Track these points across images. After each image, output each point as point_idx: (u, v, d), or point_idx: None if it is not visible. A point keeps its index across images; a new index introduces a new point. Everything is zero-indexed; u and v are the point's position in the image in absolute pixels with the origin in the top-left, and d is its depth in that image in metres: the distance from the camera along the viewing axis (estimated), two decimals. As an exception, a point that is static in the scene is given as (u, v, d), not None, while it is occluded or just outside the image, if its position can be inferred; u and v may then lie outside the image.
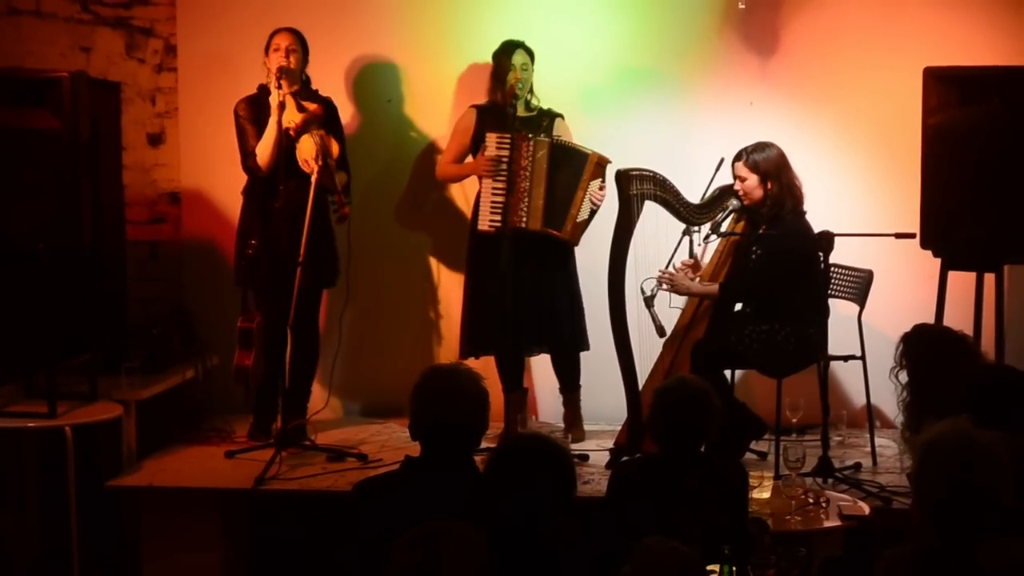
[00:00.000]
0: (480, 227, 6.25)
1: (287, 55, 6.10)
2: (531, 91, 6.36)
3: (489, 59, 6.51)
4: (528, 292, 6.25)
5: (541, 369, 6.78)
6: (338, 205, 6.00)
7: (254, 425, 6.35)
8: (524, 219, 6.18)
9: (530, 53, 6.32)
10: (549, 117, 6.37)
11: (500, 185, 6.17)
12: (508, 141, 6.18)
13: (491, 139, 6.23)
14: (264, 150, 6.04)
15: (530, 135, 6.20)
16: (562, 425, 6.57)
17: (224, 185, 6.47)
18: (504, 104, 6.26)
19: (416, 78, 6.98)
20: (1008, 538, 3.15)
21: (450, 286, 7.01)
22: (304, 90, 6.20)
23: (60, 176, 5.78)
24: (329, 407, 6.67)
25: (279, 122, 5.96)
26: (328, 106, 6.24)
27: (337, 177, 6.06)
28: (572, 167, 6.18)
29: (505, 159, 6.17)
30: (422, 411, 3.96)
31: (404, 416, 6.85)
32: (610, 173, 6.13)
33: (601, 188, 6.18)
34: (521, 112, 6.32)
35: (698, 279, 6.11)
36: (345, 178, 6.16)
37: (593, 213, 6.22)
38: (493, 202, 6.17)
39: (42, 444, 6.10)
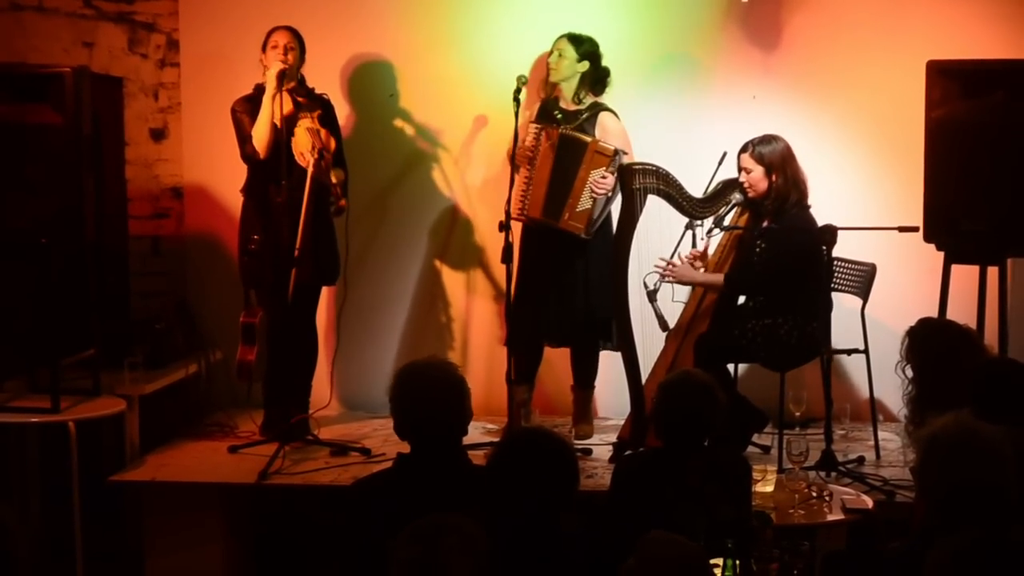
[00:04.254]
0: (513, 216, 6.21)
1: (285, 52, 6.09)
2: (579, 82, 6.28)
3: (490, 55, 6.51)
4: (550, 284, 6.26)
5: (547, 363, 6.77)
6: (335, 198, 5.99)
7: (266, 419, 6.35)
8: (527, 208, 6.17)
9: (576, 42, 6.27)
10: (594, 111, 6.32)
11: (525, 174, 6.19)
12: (535, 130, 6.20)
13: (530, 128, 6.25)
14: (260, 133, 6.01)
15: (556, 126, 6.19)
16: (567, 419, 6.56)
17: (226, 180, 6.47)
18: (558, 96, 6.31)
19: (417, 75, 6.96)
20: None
21: (450, 281, 7.02)
22: (300, 88, 6.19)
23: (63, 171, 5.80)
24: (332, 403, 6.64)
25: (272, 103, 5.94)
26: (325, 105, 6.23)
27: (334, 174, 6.06)
28: (574, 156, 6.17)
29: (531, 148, 6.18)
30: (403, 410, 3.98)
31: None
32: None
33: (604, 177, 6.14)
34: (571, 106, 6.31)
35: (703, 270, 6.11)
36: (343, 175, 6.16)
37: (603, 203, 6.20)
38: (521, 191, 6.18)
39: (45, 439, 6.11)
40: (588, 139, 6.18)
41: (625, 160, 6.15)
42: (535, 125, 6.24)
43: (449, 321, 7.03)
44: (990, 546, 2.90)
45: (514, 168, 6.26)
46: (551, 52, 6.31)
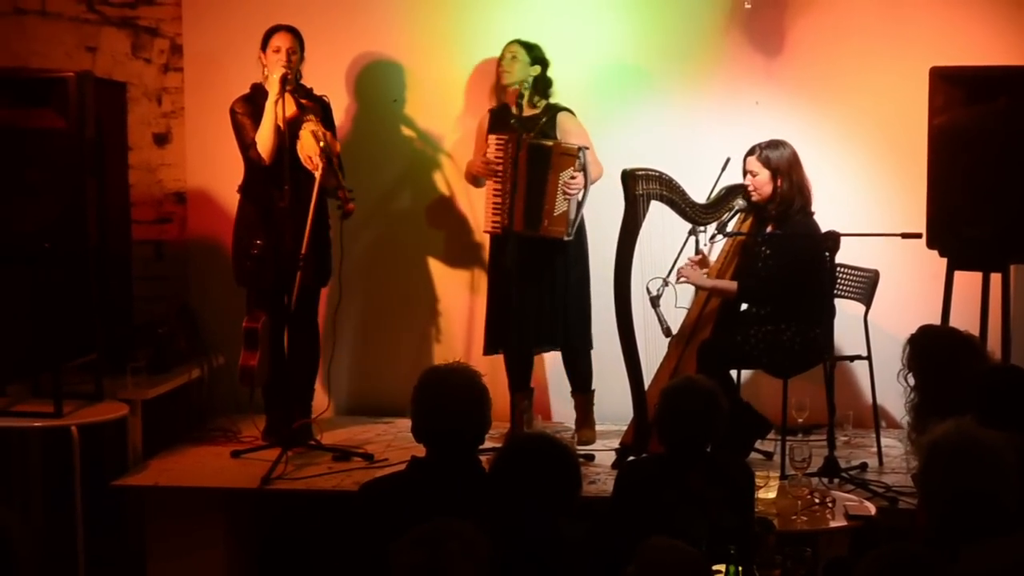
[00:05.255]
0: (484, 229, 6.28)
1: (288, 57, 6.08)
2: (531, 87, 6.31)
3: (494, 58, 6.52)
4: (537, 290, 6.27)
5: (552, 369, 6.78)
6: (343, 201, 5.96)
7: (268, 425, 6.34)
8: (508, 222, 6.17)
9: (528, 47, 6.32)
10: (551, 113, 6.35)
11: (498, 186, 6.19)
12: (500, 142, 6.20)
13: (490, 140, 6.25)
14: (264, 138, 6.00)
15: (523, 135, 6.19)
16: (570, 425, 6.56)
17: (230, 185, 6.46)
18: (509, 103, 6.30)
19: (420, 78, 6.98)
20: (1010, 538, 3.15)
21: (451, 286, 7.03)
22: (299, 88, 6.18)
23: (66, 176, 5.80)
24: (329, 408, 6.63)
25: (275, 110, 5.94)
26: (325, 107, 6.23)
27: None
28: (543, 163, 6.18)
29: (497, 160, 6.18)
30: (423, 414, 3.98)
31: (404, 415, 6.94)
32: (615, 171, 6.10)
33: (573, 177, 6.16)
34: (526, 111, 6.32)
35: (705, 276, 6.10)
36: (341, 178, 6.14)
37: (578, 204, 6.21)
38: (494, 203, 6.19)
39: (48, 444, 6.11)
40: (551, 143, 6.20)
41: (588, 154, 6.20)
42: (496, 137, 6.23)
43: (451, 327, 7.02)
44: (920, 563, 2.92)
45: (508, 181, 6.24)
46: (502, 57, 6.33)
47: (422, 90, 6.99)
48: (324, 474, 5.85)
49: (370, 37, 6.97)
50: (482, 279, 6.94)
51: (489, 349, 6.44)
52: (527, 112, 6.32)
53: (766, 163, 5.98)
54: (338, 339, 6.45)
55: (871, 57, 6.74)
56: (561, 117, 6.35)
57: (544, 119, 6.33)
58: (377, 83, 7.00)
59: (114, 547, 6.13)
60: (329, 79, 6.56)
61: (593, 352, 6.46)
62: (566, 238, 6.22)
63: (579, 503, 3.71)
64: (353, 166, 6.29)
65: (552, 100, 6.39)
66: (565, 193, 6.16)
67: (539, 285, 6.29)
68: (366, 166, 6.74)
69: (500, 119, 6.34)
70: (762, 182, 5.99)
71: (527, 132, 6.22)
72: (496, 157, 6.20)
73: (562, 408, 6.82)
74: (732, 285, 6.03)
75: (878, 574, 2.94)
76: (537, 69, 6.33)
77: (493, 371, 6.42)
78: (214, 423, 6.68)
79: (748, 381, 6.48)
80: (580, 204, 6.24)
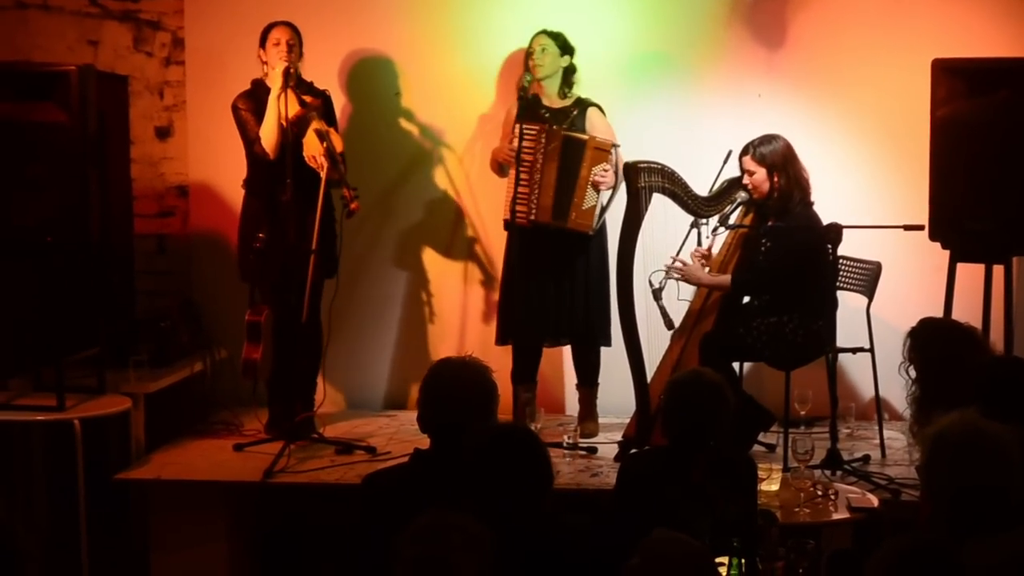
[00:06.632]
0: (505, 217, 6.27)
1: (289, 50, 6.08)
2: (562, 78, 6.32)
3: (494, 52, 6.53)
4: (549, 283, 6.27)
5: (552, 362, 6.77)
6: (347, 200, 5.95)
7: (271, 418, 6.34)
8: (534, 212, 6.18)
9: (554, 37, 6.31)
10: (581, 107, 6.34)
11: (525, 177, 6.18)
12: (531, 132, 6.19)
13: (518, 129, 6.23)
14: (268, 134, 6.00)
15: (554, 126, 6.18)
16: (574, 417, 6.56)
17: (232, 178, 6.47)
18: (539, 95, 6.31)
19: (420, 72, 6.97)
20: (1011, 533, 3.15)
21: (455, 281, 7.02)
22: (300, 83, 6.18)
23: (68, 170, 5.79)
24: (329, 400, 6.64)
25: (278, 105, 5.94)
26: (326, 100, 6.23)
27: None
28: (576, 156, 6.17)
29: (527, 150, 6.17)
30: (431, 406, 3.98)
31: (402, 408, 6.94)
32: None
33: (605, 171, 6.15)
34: (556, 102, 6.32)
35: (707, 270, 6.10)
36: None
37: (607, 197, 6.22)
38: (519, 194, 6.17)
39: (50, 437, 6.11)
40: (586, 137, 6.19)
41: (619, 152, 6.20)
42: (529, 126, 6.22)
43: (452, 320, 7.02)
44: (935, 553, 2.92)
45: (517, 169, 6.23)
46: (531, 51, 6.30)
47: (423, 85, 6.98)
48: (327, 467, 5.85)
49: (371, 32, 6.96)
50: (484, 275, 6.94)
51: (500, 340, 6.42)
52: (558, 104, 6.32)
53: (761, 160, 5.97)
54: (337, 332, 6.44)
55: (873, 49, 6.74)
56: (591, 112, 6.33)
57: (575, 112, 6.32)
58: (378, 78, 7.00)
59: (117, 540, 6.13)
60: (330, 75, 6.55)
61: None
62: (590, 233, 6.22)
63: (548, 487, 3.69)
64: (354, 160, 6.28)
65: (583, 95, 6.39)
66: (595, 187, 6.15)
67: (558, 278, 6.29)
68: (367, 160, 6.74)
69: (530, 109, 6.31)
70: (760, 180, 5.99)
71: (558, 124, 6.22)
72: (525, 146, 6.18)
73: (564, 400, 6.82)
74: (725, 279, 6.02)
75: (895, 563, 2.93)
76: (567, 59, 6.32)
77: (497, 364, 6.44)
78: (217, 416, 6.68)
79: (750, 373, 6.48)
80: (608, 201, 6.23)
